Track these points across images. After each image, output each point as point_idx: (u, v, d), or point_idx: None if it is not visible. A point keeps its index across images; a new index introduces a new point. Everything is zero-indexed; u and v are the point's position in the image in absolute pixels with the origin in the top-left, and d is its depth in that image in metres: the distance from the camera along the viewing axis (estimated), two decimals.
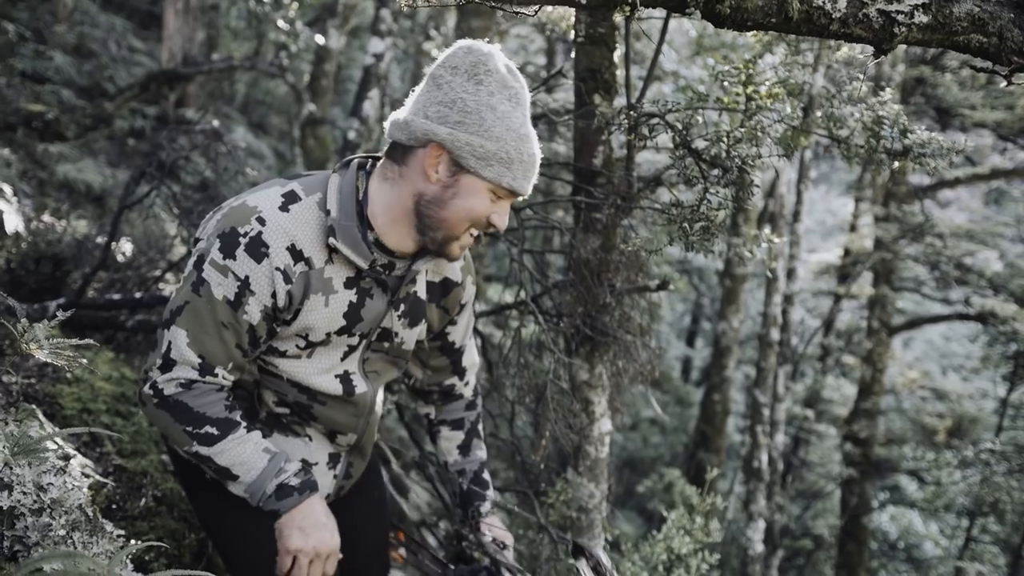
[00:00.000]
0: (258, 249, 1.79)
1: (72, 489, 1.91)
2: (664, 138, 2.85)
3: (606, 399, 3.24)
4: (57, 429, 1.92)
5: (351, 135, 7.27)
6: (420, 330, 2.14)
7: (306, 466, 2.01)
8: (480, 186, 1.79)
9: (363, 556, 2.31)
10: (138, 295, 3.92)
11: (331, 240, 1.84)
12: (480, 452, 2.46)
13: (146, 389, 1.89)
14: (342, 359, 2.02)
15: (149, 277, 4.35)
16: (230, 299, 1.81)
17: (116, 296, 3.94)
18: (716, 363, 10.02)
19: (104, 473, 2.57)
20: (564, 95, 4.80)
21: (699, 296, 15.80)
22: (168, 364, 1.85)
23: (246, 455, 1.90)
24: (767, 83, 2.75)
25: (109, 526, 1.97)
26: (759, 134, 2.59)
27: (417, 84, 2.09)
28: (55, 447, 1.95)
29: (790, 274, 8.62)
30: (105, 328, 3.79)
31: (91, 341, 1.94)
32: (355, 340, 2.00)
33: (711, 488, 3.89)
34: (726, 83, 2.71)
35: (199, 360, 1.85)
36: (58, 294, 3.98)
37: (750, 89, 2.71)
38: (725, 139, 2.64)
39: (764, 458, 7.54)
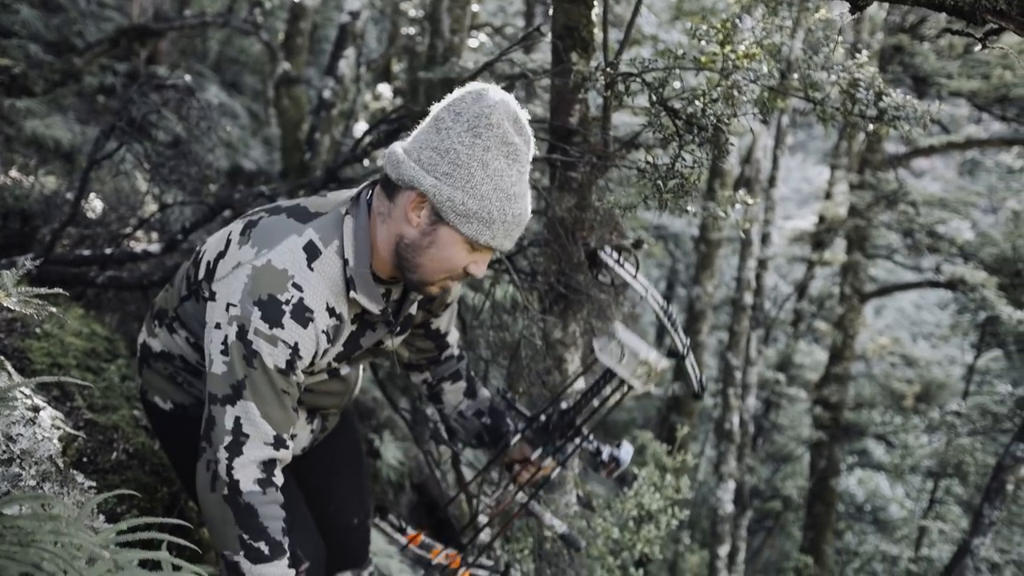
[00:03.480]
0: (303, 315, 1.81)
1: (42, 440, 1.90)
2: (641, 99, 2.84)
3: (579, 357, 3.27)
4: (26, 380, 1.91)
5: (326, 94, 7.19)
6: (406, 335, 2.22)
7: None
8: (457, 239, 1.81)
9: (341, 495, 2.36)
10: (108, 251, 3.88)
11: (352, 294, 1.88)
12: (485, 391, 2.51)
13: (221, 473, 1.82)
14: (328, 365, 2.06)
15: (119, 233, 4.30)
16: (281, 367, 1.81)
17: (86, 252, 3.90)
18: (690, 328, 10.09)
19: (75, 427, 2.56)
20: (541, 56, 4.76)
21: (674, 262, 15.86)
22: (239, 443, 1.82)
23: None
24: (744, 43, 2.75)
25: (80, 477, 1.97)
26: (735, 93, 2.60)
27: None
28: (24, 397, 1.94)
29: (765, 239, 8.68)
30: (75, 284, 3.75)
31: (60, 290, 1.92)
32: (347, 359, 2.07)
33: (681, 447, 3.93)
34: (703, 41, 2.70)
35: (273, 433, 1.84)
36: (26, 249, 3.92)
37: (727, 49, 2.71)
38: (701, 98, 2.63)
39: (735, 420, 7.64)
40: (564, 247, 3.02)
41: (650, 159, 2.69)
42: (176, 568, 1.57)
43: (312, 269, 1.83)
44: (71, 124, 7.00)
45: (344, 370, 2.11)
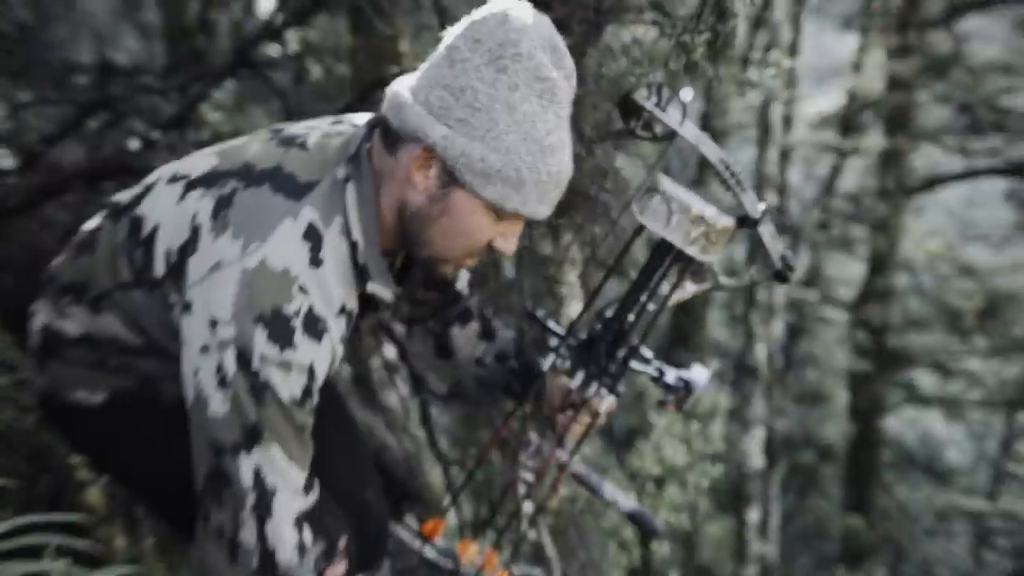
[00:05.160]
0: (316, 327, 1.71)
1: None
2: None
3: (577, 277, 3.20)
4: None
5: None
6: None
7: None
8: (476, 206, 1.74)
9: (344, 470, 2.27)
10: None
11: (370, 286, 1.82)
12: (507, 330, 2.42)
13: (247, 543, 1.74)
14: None
15: None
16: (298, 398, 1.71)
17: None
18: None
19: None
20: None
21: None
22: (266, 500, 1.72)
23: None
24: None
25: None
26: None
27: None
28: None
29: (787, 123, 8.62)
30: None
31: None
32: None
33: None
34: None
35: (303, 477, 1.76)
36: None
37: None
38: None
39: (762, 353, 7.68)
40: None
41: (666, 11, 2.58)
42: None
43: (318, 263, 1.73)
44: None
45: None
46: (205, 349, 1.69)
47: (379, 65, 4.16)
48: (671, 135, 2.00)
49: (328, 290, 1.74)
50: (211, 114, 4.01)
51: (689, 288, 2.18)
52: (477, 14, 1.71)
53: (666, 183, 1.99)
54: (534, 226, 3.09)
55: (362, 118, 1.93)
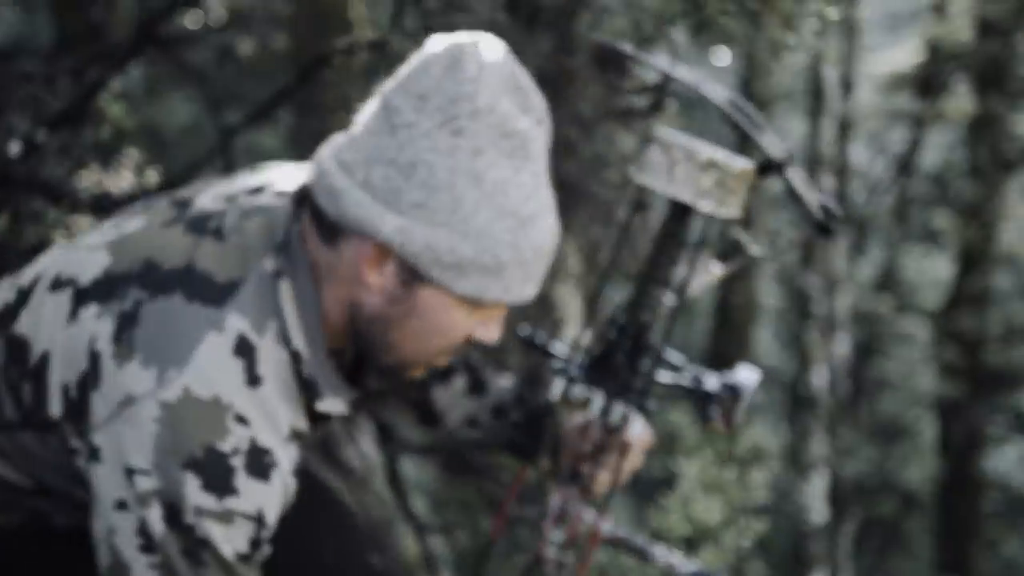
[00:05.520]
0: (261, 463, 1.70)
1: None
2: None
3: (577, 291, 3.27)
4: None
5: None
6: None
7: None
8: (448, 301, 1.73)
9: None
10: None
11: (319, 405, 1.81)
12: (501, 379, 2.45)
13: None
14: None
15: None
16: (244, 552, 1.72)
17: None
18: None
19: None
20: None
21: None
22: None
23: None
24: None
25: None
26: None
27: None
28: None
29: (846, 87, 8.69)
30: None
31: None
32: None
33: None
34: None
35: None
36: None
37: None
38: None
39: (822, 378, 7.73)
40: None
41: None
42: None
43: (256, 383, 1.72)
44: None
45: None
46: (122, 506, 1.68)
47: (324, 36, 4.22)
48: (663, 87, 2.02)
49: (272, 414, 1.73)
50: (112, 106, 4.02)
51: (714, 268, 2.17)
52: (416, 61, 1.70)
53: (663, 131, 2.01)
54: None
55: (287, 179, 1.91)
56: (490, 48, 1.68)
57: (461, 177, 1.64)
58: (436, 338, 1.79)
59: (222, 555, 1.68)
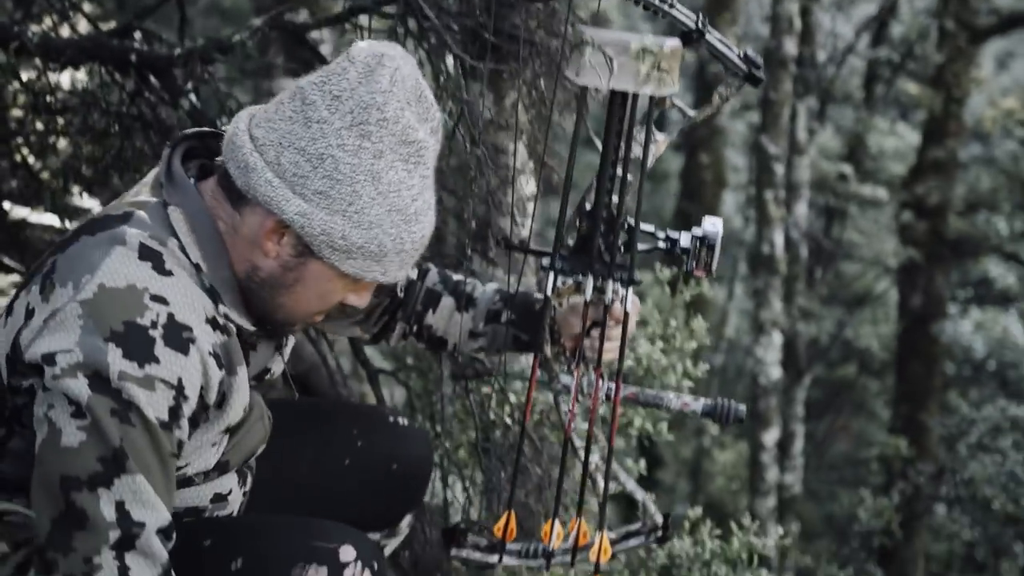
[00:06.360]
0: (179, 336, 1.86)
1: None
2: None
3: (525, 146, 3.36)
4: None
5: None
6: (288, 352, 2.38)
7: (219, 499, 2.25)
8: (333, 275, 1.97)
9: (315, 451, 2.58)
10: None
11: (221, 308, 1.96)
12: (486, 286, 2.64)
13: None
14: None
15: None
16: (164, 419, 1.84)
17: None
18: (700, 102, 10.08)
19: None
20: None
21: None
22: (131, 536, 1.84)
23: None
24: None
25: None
26: None
27: None
28: None
29: None
30: None
31: None
32: None
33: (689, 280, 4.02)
34: None
35: (167, 518, 1.89)
36: None
37: None
38: None
39: (779, 240, 7.77)
40: None
41: None
42: None
43: (168, 273, 1.89)
44: None
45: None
46: (54, 378, 1.80)
47: None
48: None
49: (189, 297, 1.91)
50: None
51: (660, 137, 2.40)
52: (337, 62, 1.90)
53: (590, 31, 2.16)
54: (470, 88, 3.22)
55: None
56: (403, 62, 1.90)
57: (362, 175, 1.87)
58: (317, 302, 2.04)
59: (148, 417, 1.82)
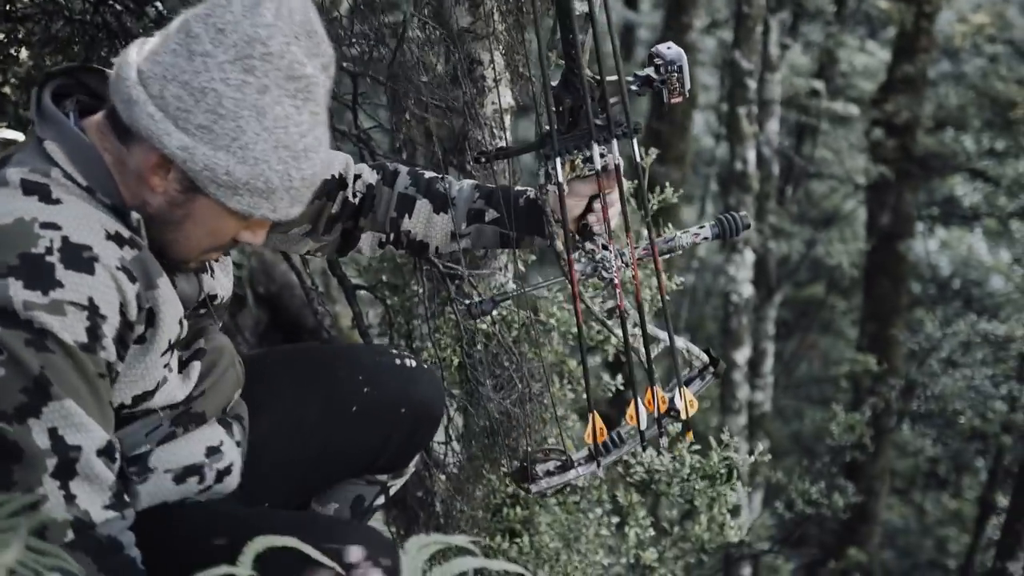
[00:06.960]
0: (80, 257, 1.84)
1: None
2: None
3: (502, 55, 3.29)
4: None
5: None
6: (230, 268, 2.39)
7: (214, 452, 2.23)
8: (222, 211, 1.96)
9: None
10: None
11: (134, 215, 1.95)
12: (462, 182, 2.62)
13: (56, 513, 1.85)
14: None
15: None
16: (83, 341, 1.84)
17: None
18: (674, 20, 10.02)
19: None
20: None
21: None
22: (69, 461, 1.85)
23: None
24: None
25: None
26: None
27: None
28: None
29: None
30: None
31: None
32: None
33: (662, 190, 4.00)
34: None
35: (105, 437, 1.89)
36: None
37: None
38: None
39: (751, 157, 7.79)
40: None
41: None
42: None
43: (55, 202, 1.88)
44: None
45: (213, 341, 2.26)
46: None
47: None
48: None
49: (83, 217, 1.89)
50: None
51: None
52: None
53: None
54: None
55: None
56: None
57: (246, 110, 1.84)
58: (208, 239, 2.03)
59: (64, 341, 1.82)
